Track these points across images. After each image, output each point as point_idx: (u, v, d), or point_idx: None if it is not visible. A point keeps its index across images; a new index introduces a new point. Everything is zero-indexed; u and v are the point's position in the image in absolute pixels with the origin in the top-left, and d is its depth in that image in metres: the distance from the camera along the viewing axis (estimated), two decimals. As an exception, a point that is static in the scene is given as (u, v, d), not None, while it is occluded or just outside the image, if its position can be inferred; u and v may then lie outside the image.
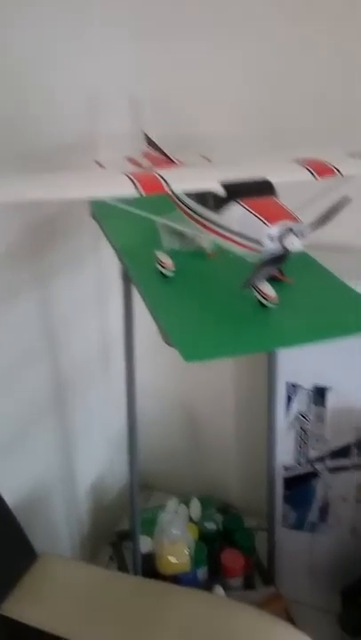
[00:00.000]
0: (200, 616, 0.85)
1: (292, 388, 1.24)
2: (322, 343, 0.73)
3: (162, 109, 1.31)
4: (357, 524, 1.32)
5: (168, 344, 0.75)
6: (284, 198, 0.79)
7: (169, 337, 0.75)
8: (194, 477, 1.73)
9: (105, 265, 1.41)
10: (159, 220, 0.91)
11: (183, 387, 1.63)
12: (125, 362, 1.16)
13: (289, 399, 1.26)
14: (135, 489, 1.29)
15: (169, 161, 1.03)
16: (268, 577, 1.44)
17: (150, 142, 1.12)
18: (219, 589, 1.28)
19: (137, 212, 0.86)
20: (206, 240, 0.93)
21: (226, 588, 1.36)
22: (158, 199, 0.98)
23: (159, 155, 1.07)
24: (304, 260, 0.97)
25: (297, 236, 0.72)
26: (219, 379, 1.56)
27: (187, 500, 1.59)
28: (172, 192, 0.77)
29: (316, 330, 0.76)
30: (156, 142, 1.09)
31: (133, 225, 1.05)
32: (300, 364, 1.21)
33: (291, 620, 1.32)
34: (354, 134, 1.14)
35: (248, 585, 1.42)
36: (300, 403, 1.25)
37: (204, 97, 1.29)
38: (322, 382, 1.21)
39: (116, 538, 1.61)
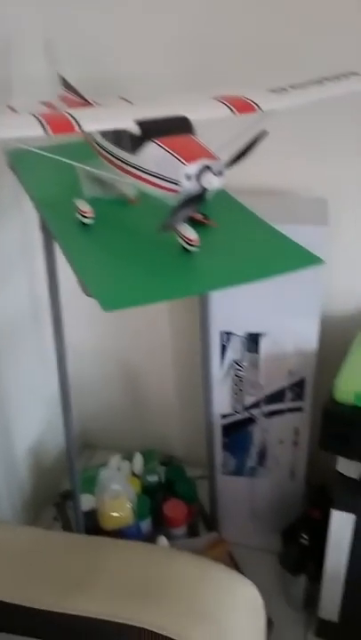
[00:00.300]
0: (136, 565, 0.85)
1: (226, 337, 1.23)
2: (245, 285, 0.71)
3: (80, 51, 1.24)
4: (295, 465, 1.36)
5: (87, 294, 0.71)
6: (208, 137, 0.76)
7: (87, 286, 0.71)
8: (136, 432, 1.73)
9: (29, 218, 1.35)
10: (77, 164, 0.87)
11: (120, 342, 1.60)
12: (52, 319, 1.12)
13: (224, 348, 1.25)
14: (72, 447, 1.27)
15: (86, 103, 0.98)
16: (212, 523, 1.46)
17: (67, 85, 1.05)
18: (162, 540, 1.29)
19: (52, 156, 0.81)
20: (128, 186, 0.89)
21: (170, 537, 1.37)
22: (79, 147, 0.94)
23: (76, 97, 1.01)
24: (229, 203, 0.94)
25: (215, 174, 0.69)
26: (155, 332, 1.54)
27: (130, 455, 1.59)
28: (83, 131, 0.72)
29: (239, 272, 0.74)
30: (73, 85, 1.03)
31: (53, 175, 1.00)
32: (233, 312, 1.20)
33: (234, 562, 1.36)
34: (276, 72, 1.11)
35: (192, 533, 1.44)
36: (235, 351, 1.25)
37: (124, 37, 1.21)
38: (255, 329, 1.21)
39: (60, 498, 1.60)
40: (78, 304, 1.09)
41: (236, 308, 1.19)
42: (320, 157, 1.19)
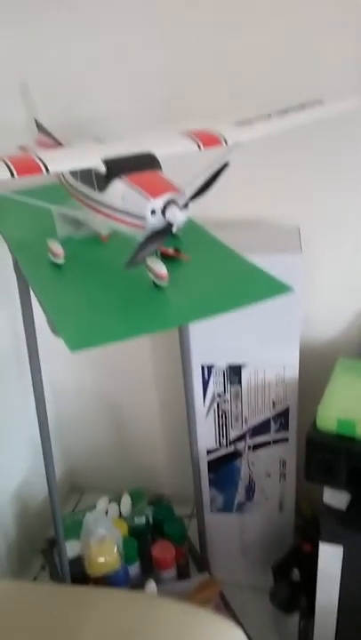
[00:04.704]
0: (120, 616, 0.81)
1: (208, 370, 1.22)
2: (215, 317, 0.71)
3: (55, 95, 1.26)
4: (284, 498, 1.33)
5: (55, 334, 0.71)
6: (181, 171, 0.77)
7: (55, 326, 0.71)
8: (124, 471, 1.70)
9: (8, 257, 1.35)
10: (48, 206, 0.87)
11: (103, 378, 1.59)
12: (29, 359, 1.10)
13: (206, 381, 1.24)
14: (54, 491, 1.24)
15: (58, 145, 0.99)
16: (202, 563, 1.42)
17: (41, 129, 1.07)
18: (150, 584, 1.25)
19: (22, 198, 0.81)
20: (100, 224, 0.90)
21: (159, 581, 1.34)
22: (54, 188, 0.95)
23: (50, 140, 1.03)
24: (201, 236, 0.95)
25: (180, 208, 0.70)
26: (138, 367, 1.53)
27: (119, 496, 1.56)
28: (48, 172, 0.72)
29: (208, 305, 0.74)
30: (46, 128, 1.05)
31: (28, 216, 1.01)
32: (214, 344, 1.20)
33: (225, 603, 1.32)
34: (247, 105, 1.13)
35: (182, 574, 1.40)
36: (217, 383, 1.24)
37: (97, 78, 1.24)
38: (236, 361, 1.20)
39: (47, 545, 1.55)
40: (60, 342, 1.09)
41: (217, 340, 1.19)
42: (290, 186, 1.21)
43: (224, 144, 0.81)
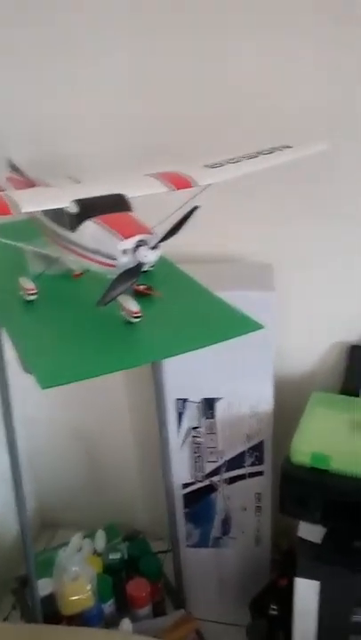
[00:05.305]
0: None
1: (182, 404, 1.23)
2: (186, 353, 0.71)
3: (30, 134, 1.27)
4: (260, 532, 1.33)
5: (26, 371, 0.70)
6: (153, 213, 0.78)
7: (26, 363, 0.71)
8: (99, 507, 1.67)
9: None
10: (17, 244, 0.88)
11: (75, 412, 1.57)
12: None
13: (180, 415, 1.24)
14: (26, 528, 1.22)
15: (30, 183, 1.00)
16: (178, 600, 1.40)
17: (13, 167, 1.08)
18: (125, 623, 1.23)
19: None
20: (73, 262, 0.91)
21: (135, 618, 1.31)
22: (26, 225, 0.95)
23: (22, 178, 1.04)
24: (174, 273, 0.96)
25: (150, 248, 0.71)
26: (111, 401, 1.52)
27: (93, 532, 1.53)
28: (20, 212, 0.73)
29: (180, 341, 0.75)
30: (19, 167, 1.06)
31: (1, 253, 1.01)
32: (187, 379, 1.20)
33: (202, 640, 1.30)
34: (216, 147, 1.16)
35: (158, 611, 1.38)
36: (191, 417, 1.24)
37: (72, 118, 1.26)
38: (210, 394, 1.21)
39: (18, 584, 1.51)
40: (31, 378, 1.08)
41: (190, 374, 1.19)
42: (264, 225, 1.23)
43: (194, 186, 0.82)
